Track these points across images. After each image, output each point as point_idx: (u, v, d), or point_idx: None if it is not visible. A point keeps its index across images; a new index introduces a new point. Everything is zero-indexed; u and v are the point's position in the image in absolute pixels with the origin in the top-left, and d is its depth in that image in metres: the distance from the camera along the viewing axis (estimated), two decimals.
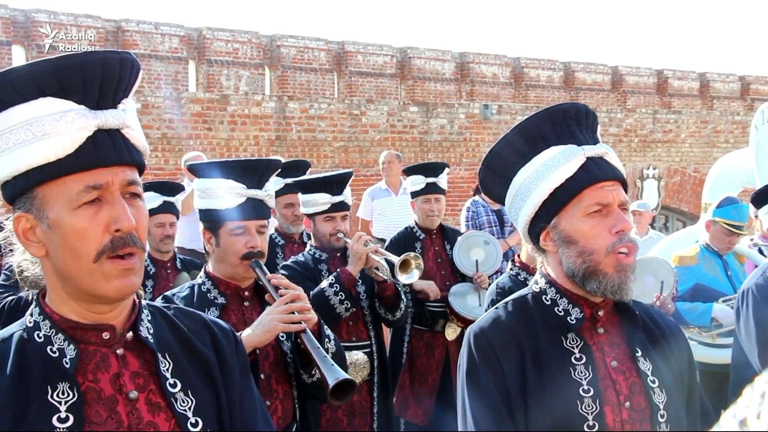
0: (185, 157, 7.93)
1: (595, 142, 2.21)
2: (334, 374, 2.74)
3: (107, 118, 1.65)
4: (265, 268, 3.15)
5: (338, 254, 4.74)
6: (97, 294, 1.68)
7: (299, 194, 4.87)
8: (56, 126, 1.60)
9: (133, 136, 1.71)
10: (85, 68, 1.63)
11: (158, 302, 2.67)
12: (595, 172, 2.13)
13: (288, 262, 4.75)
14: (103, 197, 1.65)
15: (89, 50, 1.70)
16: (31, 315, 1.75)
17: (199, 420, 1.78)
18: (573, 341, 2.16)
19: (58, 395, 1.64)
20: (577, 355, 2.14)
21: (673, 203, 17.45)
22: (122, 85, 1.71)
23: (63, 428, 1.62)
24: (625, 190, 2.20)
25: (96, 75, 1.65)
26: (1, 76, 1.62)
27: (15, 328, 1.74)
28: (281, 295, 3.04)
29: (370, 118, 13.79)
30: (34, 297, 1.79)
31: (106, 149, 1.64)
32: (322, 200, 4.61)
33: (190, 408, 1.78)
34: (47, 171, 1.62)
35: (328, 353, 2.97)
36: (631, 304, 2.23)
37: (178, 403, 1.77)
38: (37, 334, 1.70)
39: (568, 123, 2.21)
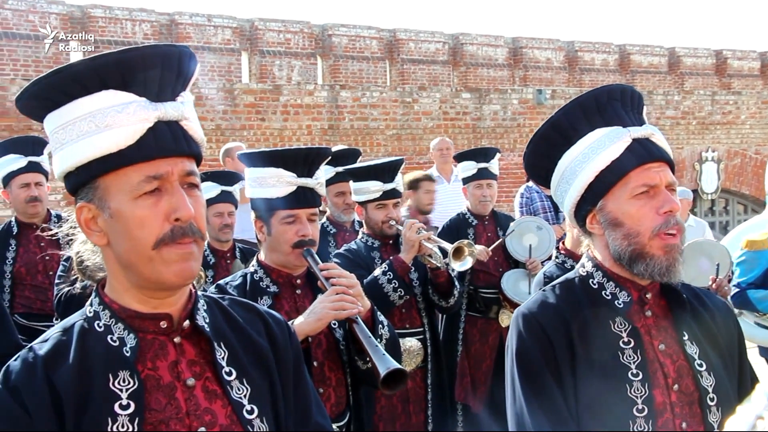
0: (224, 147, 7.98)
1: (641, 123, 2.19)
2: (385, 364, 2.74)
3: (167, 110, 1.69)
4: (316, 256, 3.16)
5: (390, 242, 4.75)
6: (157, 280, 1.71)
7: (351, 182, 4.88)
8: (118, 117, 1.64)
9: (191, 128, 1.75)
10: (146, 61, 1.67)
11: (211, 291, 2.70)
12: (641, 153, 2.11)
13: (341, 251, 4.77)
14: (163, 187, 1.68)
15: (151, 43, 1.72)
16: (91, 305, 1.80)
17: (254, 407, 1.81)
18: (621, 325, 2.14)
19: (119, 383, 1.68)
20: (626, 339, 2.12)
21: (734, 186, 17.12)
22: (181, 77, 1.75)
23: (125, 414, 1.66)
24: (672, 172, 2.17)
25: (156, 68, 1.69)
26: (66, 70, 1.65)
27: (75, 319, 1.79)
28: (333, 284, 3.05)
29: (422, 105, 13.77)
30: (94, 288, 1.83)
31: (165, 140, 1.68)
32: (373, 188, 4.62)
33: (245, 396, 1.81)
34: (109, 162, 1.65)
35: (381, 339, 2.98)
36: (678, 287, 2.21)
37: (234, 391, 1.80)
38: (97, 324, 1.75)
39: (614, 104, 2.18)
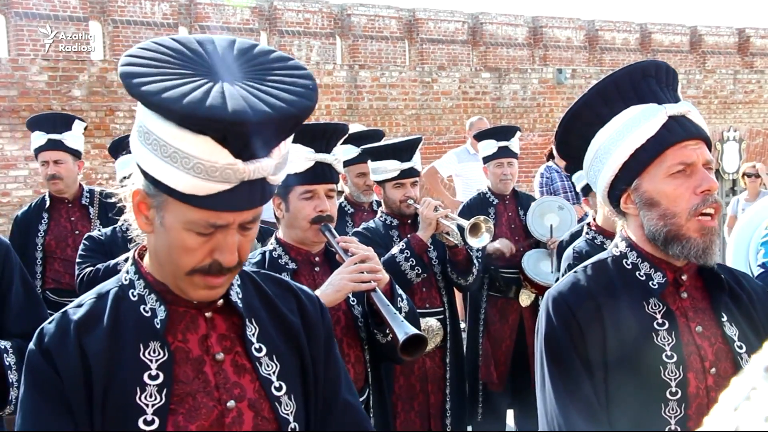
0: None
1: (677, 100, 2.13)
2: (403, 329, 2.75)
3: (255, 172, 1.59)
4: (334, 231, 3.16)
5: (409, 221, 4.73)
6: (183, 293, 1.75)
7: (369, 162, 4.86)
8: (203, 171, 1.56)
9: (275, 180, 1.67)
10: (256, 128, 1.55)
11: None
12: (677, 131, 2.05)
13: (359, 229, 4.77)
14: (219, 229, 1.66)
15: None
16: (127, 273, 1.82)
17: (283, 384, 1.82)
18: (655, 306, 2.10)
19: (149, 353, 1.71)
20: (660, 321, 2.08)
21: None
22: (286, 135, 1.67)
23: (153, 385, 1.68)
24: (709, 149, 2.11)
25: (263, 133, 1.58)
26: (172, 108, 1.52)
27: (111, 285, 1.81)
28: (351, 256, 3.04)
29: (441, 85, 13.71)
30: (132, 255, 1.85)
31: (241, 199, 1.62)
32: (391, 167, 4.59)
33: (274, 372, 1.82)
34: (178, 194, 1.60)
35: (400, 312, 2.97)
36: (716, 268, 2.15)
37: (263, 368, 1.81)
38: (132, 293, 1.78)
39: (648, 81, 2.12)
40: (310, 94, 1.65)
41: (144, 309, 1.75)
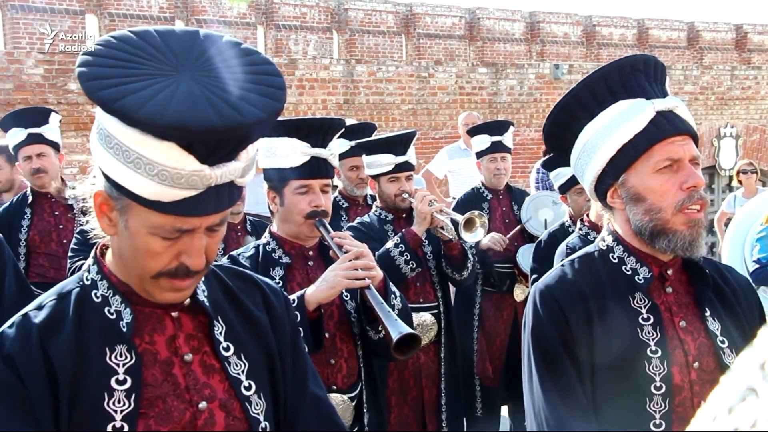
0: None
1: (665, 94, 2.14)
2: (397, 328, 2.75)
3: (221, 177, 1.56)
4: (328, 226, 3.15)
5: (404, 215, 4.72)
6: (149, 295, 1.71)
7: (363, 156, 4.85)
8: (168, 179, 1.52)
9: (243, 183, 1.65)
10: (214, 133, 1.50)
11: (224, 262, 2.70)
12: (665, 126, 2.06)
13: (354, 224, 4.75)
14: (185, 233, 1.62)
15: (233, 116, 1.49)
16: (89, 272, 1.76)
17: (252, 383, 1.80)
18: (640, 301, 2.12)
19: (116, 357, 1.65)
20: (645, 316, 2.10)
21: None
22: (253, 139, 1.62)
23: (121, 390, 1.64)
24: (696, 145, 2.12)
25: (231, 141, 1.55)
26: (134, 118, 1.48)
27: (71, 285, 1.75)
28: (345, 252, 3.04)
29: (438, 80, 13.68)
30: (93, 253, 1.80)
31: (207, 204, 1.58)
32: (385, 161, 4.58)
33: (243, 372, 1.80)
34: (142, 200, 1.56)
35: (393, 310, 2.97)
36: (701, 262, 2.17)
37: (231, 367, 1.78)
38: (95, 293, 1.72)
39: (637, 75, 2.13)
40: (280, 94, 1.59)
41: (109, 311, 1.69)
